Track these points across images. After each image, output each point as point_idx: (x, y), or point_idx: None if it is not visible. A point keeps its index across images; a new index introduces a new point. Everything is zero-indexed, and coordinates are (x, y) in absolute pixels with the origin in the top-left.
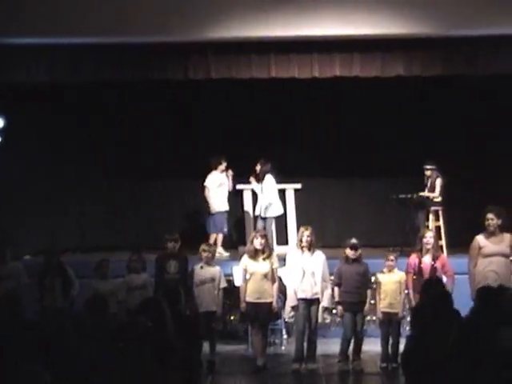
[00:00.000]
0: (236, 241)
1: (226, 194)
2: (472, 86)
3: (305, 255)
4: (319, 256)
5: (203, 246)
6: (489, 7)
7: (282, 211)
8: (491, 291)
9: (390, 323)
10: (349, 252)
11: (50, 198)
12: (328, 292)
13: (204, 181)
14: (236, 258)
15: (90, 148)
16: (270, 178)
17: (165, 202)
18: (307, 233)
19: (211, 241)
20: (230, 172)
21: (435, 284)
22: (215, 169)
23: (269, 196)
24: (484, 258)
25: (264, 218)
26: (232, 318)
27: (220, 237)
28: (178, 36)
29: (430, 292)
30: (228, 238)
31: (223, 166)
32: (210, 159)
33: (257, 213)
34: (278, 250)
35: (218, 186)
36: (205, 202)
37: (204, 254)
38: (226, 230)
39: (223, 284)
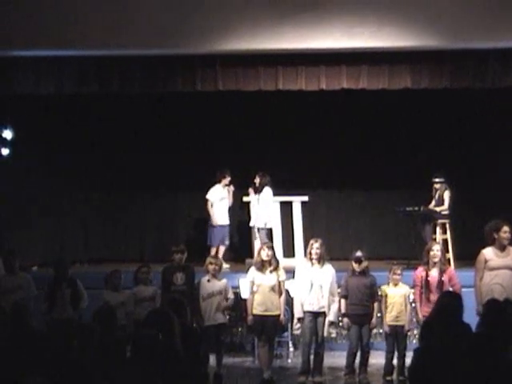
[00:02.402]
0: (243, 253)
1: (227, 208)
2: (480, 98)
3: (314, 268)
4: (329, 269)
5: (210, 259)
6: (496, 20)
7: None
8: (498, 304)
9: (396, 336)
10: (354, 265)
11: (57, 210)
12: (335, 306)
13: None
14: (242, 270)
15: (97, 160)
16: (268, 190)
17: (170, 214)
18: (317, 245)
19: (212, 253)
20: (232, 187)
21: (451, 297)
22: (219, 182)
23: (264, 207)
24: (490, 271)
25: (260, 229)
26: (239, 330)
27: (221, 249)
28: (186, 48)
29: (442, 305)
30: (230, 251)
31: (227, 179)
32: (214, 172)
33: (251, 224)
34: (285, 262)
35: (220, 200)
36: (207, 215)
37: (211, 267)
38: (227, 242)
39: (232, 295)
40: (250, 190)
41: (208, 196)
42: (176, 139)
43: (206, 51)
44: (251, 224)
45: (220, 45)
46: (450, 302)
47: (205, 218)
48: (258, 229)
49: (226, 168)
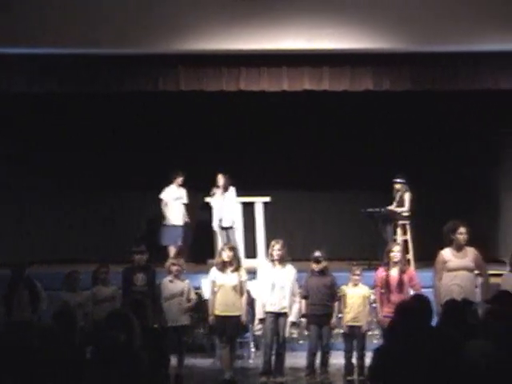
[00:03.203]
0: (204, 254)
1: (182, 208)
2: (441, 101)
3: (276, 269)
4: (290, 270)
5: (172, 260)
6: (458, 24)
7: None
8: (456, 305)
9: (354, 336)
10: (313, 265)
11: (14, 210)
12: (296, 307)
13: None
14: (204, 270)
15: (58, 160)
16: (233, 191)
17: (129, 215)
18: (278, 246)
19: (172, 253)
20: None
21: (421, 301)
22: (173, 182)
23: (230, 207)
24: (449, 272)
25: (224, 228)
26: (201, 330)
27: (172, 249)
28: (149, 48)
29: (411, 309)
30: (192, 251)
31: (180, 179)
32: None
33: (215, 224)
34: (247, 263)
35: (173, 200)
36: (161, 215)
37: (174, 268)
38: (179, 243)
39: (193, 296)
40: (215, 190)
41: (161, 196)
42: (137, 138)
43: (168, 51)
44: (214, 224)
45: (182, 45)
46: (418, 306)
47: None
48: (224, 228)
49: (180, 168)
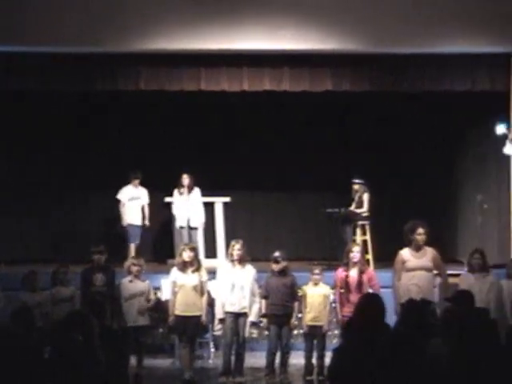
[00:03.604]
0: (164, 254)
1: (139, 208)
2: (399, 102)
3: (235, 269)
4: (249, 270)
5: (132, 260)
6: (416, 27)
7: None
8: (415, 304)
9: (314, 336)
10: (273, 265)
11: None
12: (256, 307)
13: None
14: (164, 270)
15: (13, 160)
16: (198, 191)
17: (88, 215)
18: (238, 246)
19: (132, 253)
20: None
21: (373, 298)
22: (130, 182)
23: (197, 207)
24: (407, 272)
25: (192, 228)
26: (160, 331)
27: (132, 249)
28: (108, 47)
29: (363, 306)
30: (152, 251)
31: (137, 179)
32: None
33: (182, 224)
34: (207, 263)
35: (129, 200)
36: (118, 215)
37: (134, 268)
38: (137, 242)
39: (152, 296)
40: (182, 190)
41: (118, 196)
42: (97, 138)
43: (128, 50)
44: (178, 224)
45: (142, 44)
46: (371, 303)
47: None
48: (191, 228)
49: (139, 168)
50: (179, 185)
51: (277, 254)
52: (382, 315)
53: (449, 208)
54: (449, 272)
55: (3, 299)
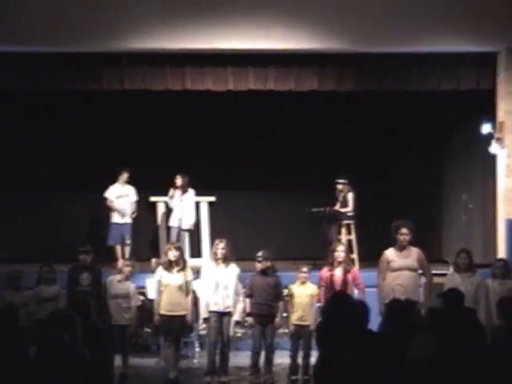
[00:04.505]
0: (149, 253)
1: (127, 206)
2: (383, 101)
3: (219, 268)
4: (233, 269)
5: (124, 261)
6: (401, 26)
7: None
8: (400, 305)
9: (300, 336)
10: (256, 264)
11: None
12: (240, 306)
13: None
14: (148, 270)
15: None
16: (191, 191)
17: (73, 214)
18: (222, 245)
19: (118, 253)
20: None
21: (343, 298)
22: (117, 180)
23: (190, 208)
24: (392, 271)
25: (183, 230)
26: (145, 330)
27: (118, 248)
28: (93, 46)
29: (337, 306)
30: (136, 250)
31: (124, 177)
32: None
33: (174, 224)
34: (192, 262)
35: (116, 198)
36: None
37: (126, 269)
38: (128, 241)
39: (137, 302)
40: (176, 191)
41: (106, 194)
42: (83, 138)
43: (112, 49)
44: (172, 224)
45: (125, 43)
46: (335, 303)
47: (106, 216)
48: (182, 230)
49: (125, 166)
50: (174, 185)
51: (260, 253)
52: (352, 313)
53: (434, 207)
54: (434, 272)
55: None
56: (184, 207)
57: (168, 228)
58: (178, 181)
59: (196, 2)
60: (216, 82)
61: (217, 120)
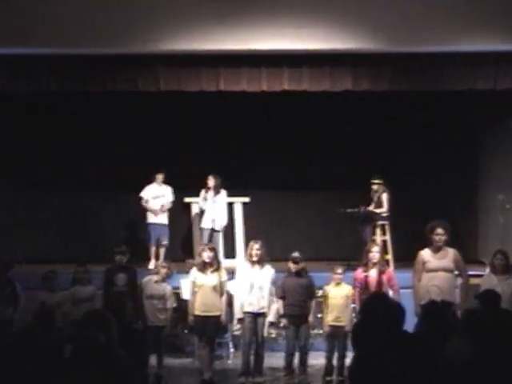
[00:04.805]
0: (184, 254)
1: (163, 207)
2: (419, 100)
3: (254, 269)
4: (268, 271)
5: (162, 263)
6: (436, 25)
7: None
8: (435, 306)
9: (336, 337)
10: (291, 265)
11: None
12: (274, 307)
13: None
14: (183, 270)
15: (36, 159)
16: (224, 192)
17: (110, 214)
18: (257, 246)
19: (152, 253)
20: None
21: (380, 298)
22: (154, 181)
23: (223, 209)
24: (428, 272)
25: (216, 231)
26: (180, 330)
27: (153, 249)
28: (128, 48)
29: (375, 307)
30: (171, 251)
31: (161, 177)
32: (152, 172)
33: (207, 226)
34: (226, 263)
35: (152, 198)
36: (142, 214)
37: (163, 271)
38: (165, 242)
39: (173, 304)
40: (208, 192)
41: (141, 194)
42: (118, 139)
43: (148, 51)
44: (204, 226)
45: (162, 45)
46: (373, 304)
47: (143, 217)
48: (215, 231)
49: (162, 166)
50: (206, 186)
51: (296, 254)
52: (389, 315)
53: (470, 208)
54: (470, 273)
55: (24, 299)
56: (217, 208)
57: (200, 229)
58: (211, 182)
59: (230, 3)
60: (250, 83)
61: (251, 121)
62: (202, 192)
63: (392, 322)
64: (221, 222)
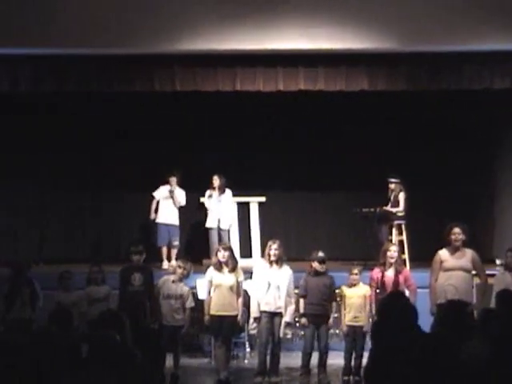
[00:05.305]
0: (199, 254)
1: (174, 208)
2: (435, 100)
3: (272, 268)
4: (286, 271)
5: (179, 263)
6: (452, 24)
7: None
8: (452, 306)
9: (354, 336)
10: (317, 265)
11: (11, 210)
12: (291, 307)
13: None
14: (199, 270)
15: (49, 160)
16: (229, 193)
17: (125, 214)
18: (275, 246)
19: (164, 254)
20: (175, 187)
21: (398, 298)
22: (168, 182)
23: (228, 208)
24: (445, 271)
25: (222, 230)
26: (196, 330)
27: (164, 250)
28: (144, 48)
29: (393, 306)
30: (187, 251)
31: (174, 178)
32: (166, 172)
33: (212, 225)
34: (242, 262)
35: (165, 198)
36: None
37: (179, 271)
38: (176, 243)
39: (191, 304)
40: (213, 192)
41: (154, 193)
42: (133, 139)
43: (163, 51)
44: (210, 225)
45: (178, 45)
46: (391, 303)
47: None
48: (222, 230)
49: (175, 167)
50: (211, 186)
51: (321, 254)
52: (406, 314)
53: (486, 207)
54: (487, 273)
55: (42, 299)
56: (222, 207)
57: (206, 230)
58: (216, 181)
59: (246, 3)
60: (266, 83)
61: (267, 120)
62: (208, 191)
63: (406, 321)
64: (227, 221)
